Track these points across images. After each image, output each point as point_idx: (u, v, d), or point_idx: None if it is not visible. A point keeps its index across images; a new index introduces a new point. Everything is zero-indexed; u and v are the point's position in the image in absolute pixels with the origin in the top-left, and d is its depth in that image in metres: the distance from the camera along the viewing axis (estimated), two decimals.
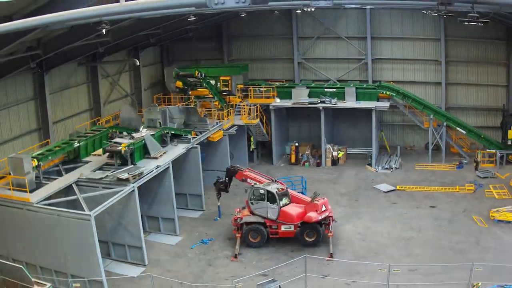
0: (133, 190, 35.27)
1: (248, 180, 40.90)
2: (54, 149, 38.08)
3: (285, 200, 39.09)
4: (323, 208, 38.47)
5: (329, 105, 55.69)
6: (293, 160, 57.92)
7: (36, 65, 42.11)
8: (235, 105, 55.98)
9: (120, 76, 57.33)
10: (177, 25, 52.59)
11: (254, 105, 55.08)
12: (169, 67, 63.25)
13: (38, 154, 36.49)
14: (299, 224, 38.36)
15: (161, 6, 19.87)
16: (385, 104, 55.87)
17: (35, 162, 35.04)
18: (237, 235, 39.27)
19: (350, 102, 56.25)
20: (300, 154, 57.70)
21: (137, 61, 55.25)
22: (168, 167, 40.16)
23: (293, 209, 38.94)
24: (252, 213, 39.38)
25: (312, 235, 38.36)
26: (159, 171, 39.09)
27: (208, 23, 60.55)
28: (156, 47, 63.90)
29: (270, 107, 56.45)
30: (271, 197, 38.73)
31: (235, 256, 37.74)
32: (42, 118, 44.29)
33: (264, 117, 56.84)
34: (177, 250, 39.33)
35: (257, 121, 54.57)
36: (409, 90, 57.33)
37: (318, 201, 38.66)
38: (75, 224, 31.74)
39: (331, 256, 36.47)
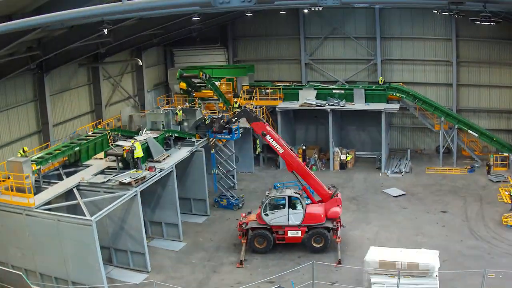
0: (135, 195, 35.17)
1: (268, 137, 40.61)
2: (54, 153, 38.01)
3: (304, 203, 39.01)
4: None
5: (337, 107, 55.57)
6: None
7: (36, 66, 42.21)
8: (241, 107, 55.80)
9: (122, 77, 57.33)
10: (181, 25, 52.58)
11: (260, 107, 55.00)
12: (173, 68, 63.26)
13: (38, 158, 36.45)
14: (307, 229, 38.16)
15: (165, 5, 19.76)
16: (395, 106, 55.68)
17: (35, 166, 35.01)
18: (242, 241, 39.02)
19: (359, 104, 56.03)
20: (307, 158, 57.59)
21: (140, 61, 55.22)
22: (172, 171, 40.04)
23: (316, 209, 39.00)
24: (268, 224, 38.65)
25: (320, 241, 38.17)
26: (162, 175, 39.00)
27: (213, 23, 60.53)
28: (159, 47, 63.91)
29: (277, 109, 56.34)
30: (293, 203, 38.47)
31: (241, 263, 37.53)
32: (42, 121, 44.35)
33: (271, 119, 56.74)
34: (181, 256, 39.21)
35: None
36: (420, 92, 57.24)
37: (337, 195, 39.49)
38: (76, 229, 31.63)
39: (339, 262, 36.16)
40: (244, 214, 40.55)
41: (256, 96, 56.85)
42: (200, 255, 39.18)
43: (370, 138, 57.85)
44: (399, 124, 62.08)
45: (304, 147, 57.36)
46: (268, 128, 40.81)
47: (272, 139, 40.37)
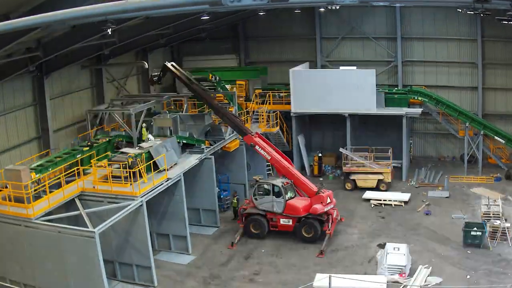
0: (141, 205, 35.06)
1: (257, 147, 44.95)
2: (55, 160, 37.97)
3: (290, 194, 43.12)
4: (328, 200, 42.44)
5: (355, 111, 55.30)
6: (316, 171, 57.61)
7: (36, 68, 42.05)
8: (253, 111, 55.69)
9: (127, 80, 57.27)
10: (189, 25, 52.48)
11: (274, 111, 54.84)
12: None
13: (38, 166, 36.39)
14: (298, 219, 42.34)
15: (172, 3, 19.65)
16: (417, 111, 55.42)
17: (34, 174, 34.92)
18: (240, 225, 43.98)
19: (378, 108, 55.74)
20: (324, 165, 57.47)
21: (146, 63, 55.15)
22: (180, 180, 39.90)
23: (299, 202, 43.04)
24: (257, 208, 43.47)
25: (310, 231, 42.12)
26: (169, 184, 38.84)
27: (223, 23, 60.46)
28: (166, 48, 63.84)
29: (291, 114, 56.13)
30: (276, 191, 42.81)
31: (232, 245, 42.36)
32: (42, 126, 44.20)
33: (285, 124, 56.57)
34: (189, 270, 39.04)
35: (276, 129, 54.38)
36: (443, 96, 57.00)
37: (323, 193, 42.50)
38: (78, 241, 31.51)
39: (321, 253, 40.12)
40: (248, 201, 45.17)
41: (269, 100, 56.64)
42: (209, 269, 39.00)
43: (390, 145, 57.58)
44: (421, 130, 61.79)
45: (320, 155, 57.20)
46: (256, 138, 45.21)
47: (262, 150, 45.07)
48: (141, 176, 36.93)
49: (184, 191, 40.19)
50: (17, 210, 33.18)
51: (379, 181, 52.37)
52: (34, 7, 27.89)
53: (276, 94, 57.66)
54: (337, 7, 51.18)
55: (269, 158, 44.70)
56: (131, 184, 36.08)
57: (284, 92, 57.27)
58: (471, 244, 39.28)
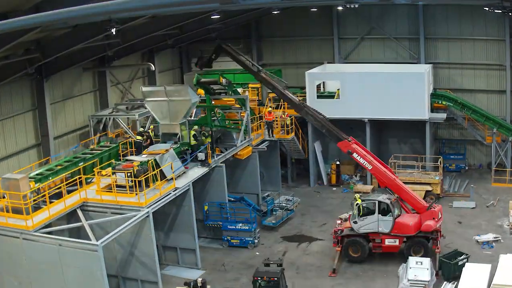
0: (147, 216, 34.94)
1: (355, 155, 43.08)
2: (55, 168, 38.03)
3: (397, 211, 40.50)
4: (439, 215, 40.16)
5: (375, 116, 55.17)
6: (333, 181, 57.48)
7: (35, 71, 42.17)
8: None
9: (132, 83, 57.34)
10: (199, 24, 52.50)
11: (289, 116, 54.71)
12: (189, 72, 63.22)
13: (37, 174, 36.43)
14: (405, 239, 39.78)
15: (180, 1, 19.55)
16: (441, 116, 55.19)
17: (34, 184, 34.90)
18: (336, 249, 41.00)
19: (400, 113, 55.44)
20: (341, 174, 57.40)
21: (152, 65, 55.14)
22: (188, 190, 39.81)
23: (408, 219, 40.37)
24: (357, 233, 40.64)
25: (419, 250, 39.34)
26: (177, 194, 38.76)
27: (235, 22, 60.43)
28: (174, 49, 63.86)
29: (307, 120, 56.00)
30: (383, 209, 40.12)
31: (333, 271, 39.48)
32: (42, 132, 44.30)
33: (300, 131, 56.45)
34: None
35: (292, 135, 54.21)
36: (469, 100, 56.84)
37: (434, 208, 40.30)
38: (80, 255, 31.43)
39: (436, 274, 37.33)
40: (340, 220, 42.34)
41: (284, 104, 56.51)
42: (220, 285, 38.84)
43: (412, 152, 57.28)
44: (445, 136, 61.51)
45: (338, 163, 57.03)
46: (353, 145, 43.20)
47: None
48: (147, 186, 36.90)
49: (193, 201, 40.11)
50: (15, 221, 33.15)
51: (427, 192, 50.92)
52: (34, 5, 27.83)
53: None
54: (356, 6, 51.04)
55: (370, 168, 42.70)
56: (136, 194, 35.95)
57: (300, 96, 57.07)
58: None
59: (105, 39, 41.89)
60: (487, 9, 52.48)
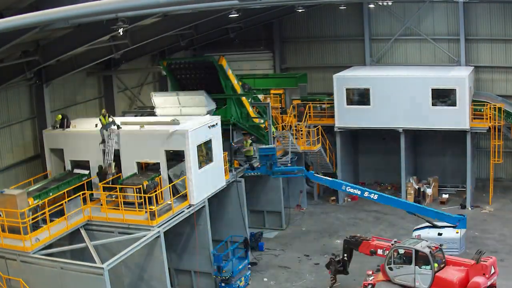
0: (158, 236, 34.94)
1: (379, 251, 37.82)
2: (56, 183, 37.92)
3: (439, 263, 35.67)
4: (492, 271, 34.75)
5: (410, 126, 55.02)
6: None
7: (34, 75, 42.19)
8: (289, 127, 55.44)
9: (141, 89, 57.42)
10: (215, 24, 52.53)
11: (315, 126, 54.65)
12: None
13: (36, 189, 36.37)
14: None
15: None
16: (483, 126, 54.81)
17: (33, 200, 34.89)
18: None
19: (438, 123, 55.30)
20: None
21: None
22: (204, 207, 39.82)
23: (452, 273, 35.11)
24: (391, 281, 36.33)
25: None
26: (191, 212, 38.71)
27: (255, 21, 60.47)
28: (187, 51, 63.92)
29: (335, 129, 55.86)
30: (421, 259, 35.34)
31: None
32: (42, 143, 44.22)
33: (328, 142, 56.37)
34: None
35: (318, 147, 54.07)
36: None
37: (485, 261, 34.53)
38: (84, 279, 31.45)
39: None
40: (371, 271, 38.83)
41: (309, 112, 56.39)
42: None
43: (452, 166, 57.02)
44: (488, 148, 61.10)
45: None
46: (374, 242, 38.52)
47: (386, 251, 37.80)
48: (158, 202, 36.81)
49: (209, 220, 39.99)
50: (12, 242, 33.18)
51: None
52: (32, 3, 27.82)
53: (318, 105, 57.45)
54: (390, 3, 50.97)
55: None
56: (146, 212, 35.86)
57: (327, 103, 56.89)
58: None
59: (112, 40, 41.97)
60: None
